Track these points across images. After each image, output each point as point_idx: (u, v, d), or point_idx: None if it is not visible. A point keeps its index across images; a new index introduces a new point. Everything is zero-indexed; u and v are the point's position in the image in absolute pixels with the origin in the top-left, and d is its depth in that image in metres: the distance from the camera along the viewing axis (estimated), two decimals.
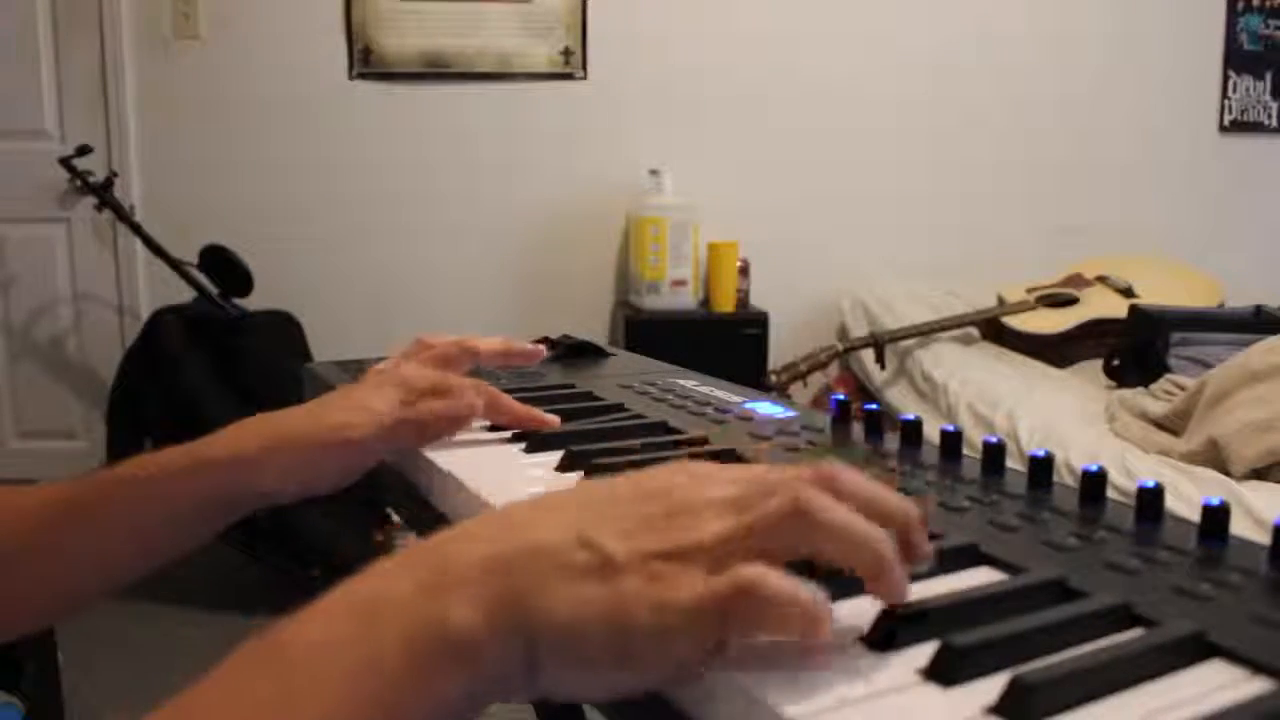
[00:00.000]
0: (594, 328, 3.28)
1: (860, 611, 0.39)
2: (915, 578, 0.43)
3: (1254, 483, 1.84)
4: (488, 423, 0.71)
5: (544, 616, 0.35)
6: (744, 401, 0.78)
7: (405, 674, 0.34)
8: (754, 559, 0.37)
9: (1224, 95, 3.56)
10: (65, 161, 2.89)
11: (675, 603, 0.35)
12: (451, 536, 0.39)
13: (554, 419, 0.70)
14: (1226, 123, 3.58)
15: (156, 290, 3.09)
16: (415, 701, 0.34)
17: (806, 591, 0.36)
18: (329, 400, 0.66)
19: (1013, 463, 0.57)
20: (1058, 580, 0.42)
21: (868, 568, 0.38)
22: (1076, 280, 3.11)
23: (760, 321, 3.10)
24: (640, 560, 0.36)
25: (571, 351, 1.01)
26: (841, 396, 0.71)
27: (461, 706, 0.35)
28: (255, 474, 0.62)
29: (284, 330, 3.09)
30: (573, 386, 0.84)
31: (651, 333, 3.00)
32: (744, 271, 3.19)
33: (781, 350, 3.11)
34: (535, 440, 0.66)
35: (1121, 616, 0.39)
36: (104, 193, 2.90)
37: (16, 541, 0.61)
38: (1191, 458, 1.95)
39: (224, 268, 2.91)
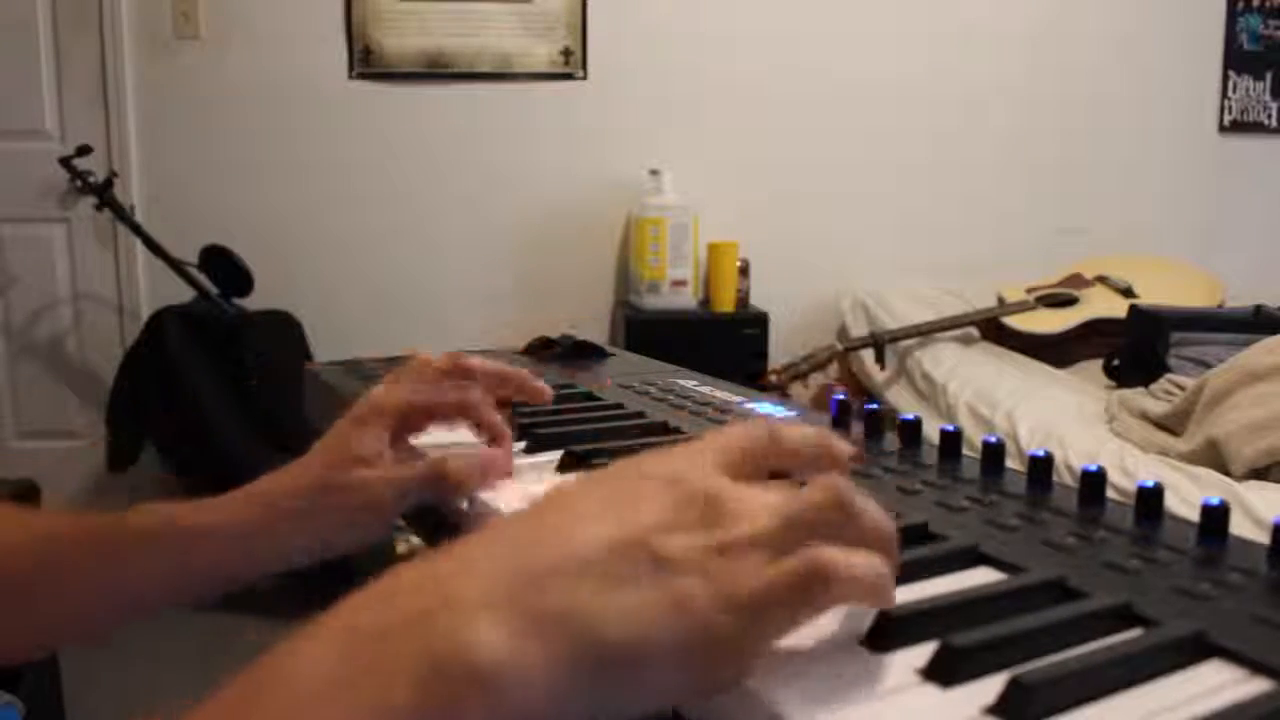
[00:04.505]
0: (594, 328, 3.28)
1: (860, 612, 0.39)
2: (915, 577, 0.43)
3: (1254, 483, 1.84)
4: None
5: (594, 634, 0.32)
6: (744, 401, 0.78)
7: (417, 709, 0.31)
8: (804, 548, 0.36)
9: (1224, 95, 3.56)
10: (65, 161, 2.89)
11: (746, 594, 0.34)
12: (460, 553, 0.35)
13: (547, 392, 0.69)
14: (1226, 123, 3.58)
15: (156, 290, 3.09)
16: None
17: (872, 560, 0.36)
18: (326, 453, 0.60)
19: (1012, 463, 0.57)
20: (1057, 580, 0.42)
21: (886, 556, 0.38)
22: (1076, 280, 3.11)
23: (760, 321, 3.10)
24: (695, 557, 0.34)
25: (571, 351, 1.01)
26: (841, 396, 0.71)
27: None
28: (256, 547, 0.59)
29: (284, 330, 3.09)
30: (573, 386, 0.84)
31: (651, 333, 3.00)
32: (744, 271, 3.19)
33: (781, 350, 3.11)
34: (535, 440, 0.66)
35: (1121, 616, 0.39)
36: (104, 193, 2.90)
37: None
38: (1191, 458, 1.95)
39: (224, 268, 2.92)
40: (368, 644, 0.32)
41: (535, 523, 0.37)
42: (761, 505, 0.37)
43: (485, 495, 0.57)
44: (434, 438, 0.65)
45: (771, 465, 0.42)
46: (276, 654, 0.32)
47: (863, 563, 0.35)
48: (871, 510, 0.38)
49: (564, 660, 0.32)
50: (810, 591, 0.34)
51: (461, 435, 0.65)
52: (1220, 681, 0.35)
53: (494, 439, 0.62)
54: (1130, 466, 1.94)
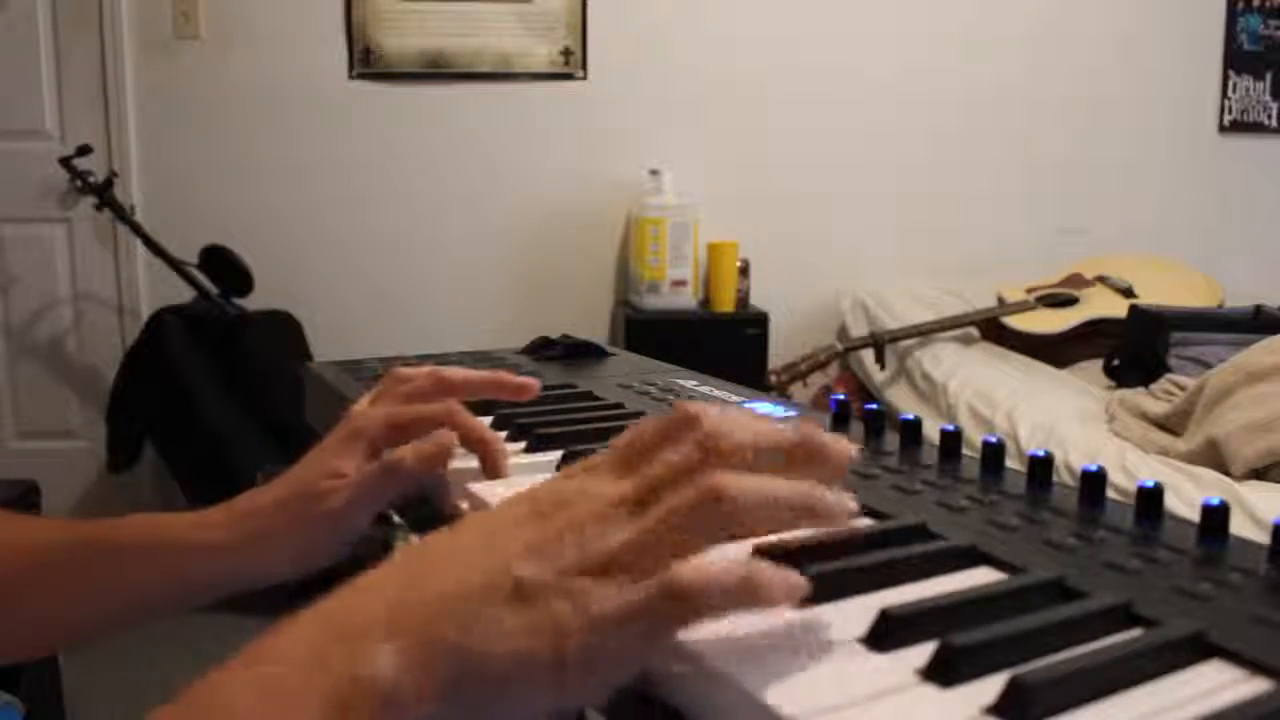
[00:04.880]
0: (594, 328, 3.28)
1: (860, 612, 0.39)
2: (915, 577, 0.43)
3: (1254, 483, 1.84)
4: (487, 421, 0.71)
5: (478, 657, 0.35)
6: (744, 401, 0.78)
7: None
8: (679, 553, 0.36)
9: (1224, 95, 3.56)
10: (65, 161, 2.89)
11: (605, 616, 0.35)
12: (359, 590, 0.38)
13: (532, 384, 0.69)
14: (1226, 123, 3.58)
15: (156, 290, 3.10)
16: None
17: (734, 568, 0.36)
18: (299, 471, 0.62)
19: (1012, 463, 0.57)
20: (1057, 580, 0.42)
21: (804, 519, 0.39)
22: (1076, 280, 3.11)
23: (760, 321, 3.11)
24: (560, 579, 0.36)
25: (571, 351, 1.01)
26: (841, 396, 0.71)
27: None
28: (241, 562, 0.60)
29: (284, 330, 3.09)
30: (573, 386, 0.84)
31: (651, 333, 3.00)
32: (744, 271, 3.19)
33: (781, 350, 3.11)
34: (536, 440, 0.66)
35: (1121, 616, 0.39)
36: (104, 193, 2.90)
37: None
38: (1191, 458, 1.95)
39: (224, 268, 2.92)
40: (281, 676, 0.35)
41: (424, 555, 0.39)
42: (628, 518, 0.38)
43: (485, 495, 0.57)
44: None
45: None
46: (196, 689, 0.34)
47: (721, 572, 0.36)
48: (751, 493, 0.37)
49: (449, 681, 0.35)
50: (668, 610, 0.36)
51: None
52: (1220, 681, 0.35)
53: (481, 444, 0.62)
54: (1130, 466, 1.94)
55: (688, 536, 0.37)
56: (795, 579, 0.37)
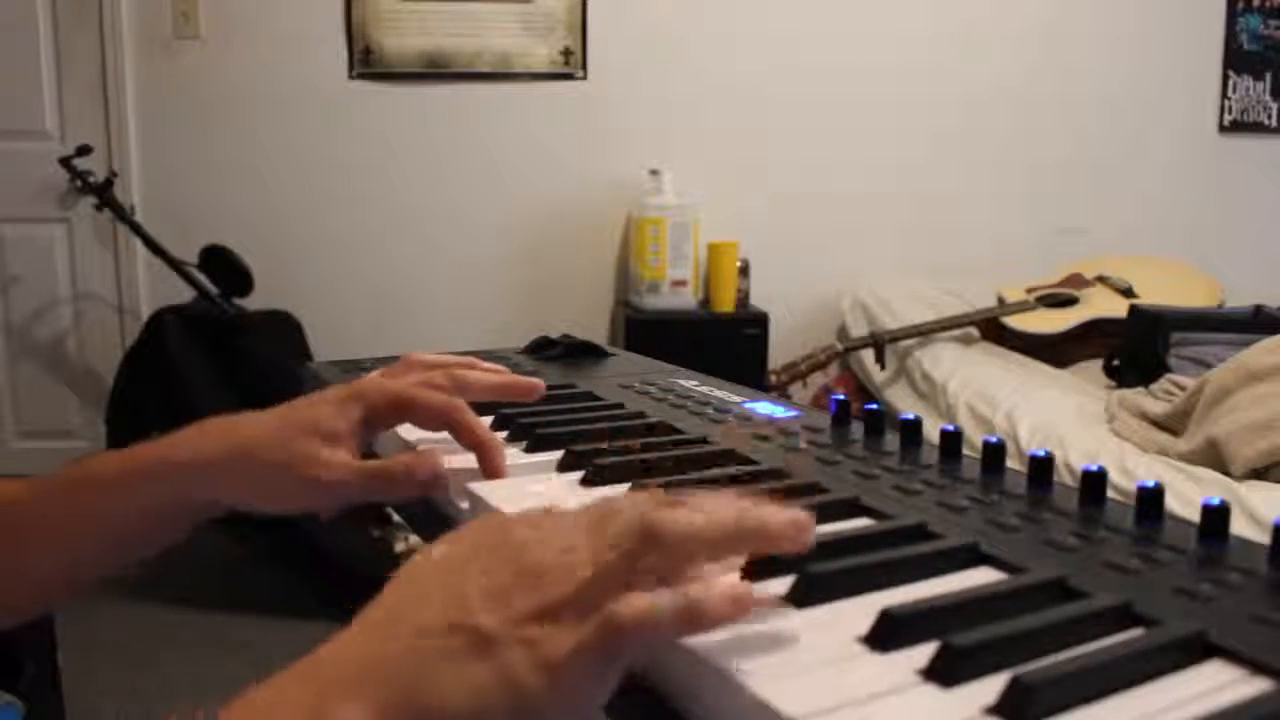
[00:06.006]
0: (594, 328, 3.28)
1: (860, 612, 0.39)
2: (914, 578, 0.43)
3: (1254, 483, 1.84)
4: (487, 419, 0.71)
5: (436, 707, 0.36)
6: (744, 401, 0.78)
7: None
8: (628, 594, 0.37)
9: (1224, 95, 3.56)
10: (65, 161, 2.89)
11: (557, 660, 0.36)
12: (336, 646, 0.39)
13: (538, 384, 0.70)
14: (1226, 123, 3.58)
15: (156, 290, 3.09)
16: None
17: (670, 596, 0.36)
18: (296, 415, 0.61)
19: (1013, 463, 0.57)
20: (1058, 580, 0.42)
21: (756, 543, 0.39)
22: (1076, 280, 3.12)
23: (760, 321, 3.11)
24: (513, 627, 0.37)
25: (571, 351, 1.01)
26: (841, 396, 0.71)
27: None
28: (217, 482, 0.60)
29: (284, 330, 3.09)
30: (573, 386, 0.84)
31: (651, 333, 3.00)
32: (744, 271, 3.19)
33: (781, 350, 3.11)
34: (536, 440, 0.66)
35: (1122, 616, 0.39)
36: (104, 193, 2.90)
37: None
38: (1191, 458, 1.95)
39: (224, 268, 2.92)
40: None
41: (394, 602, 0.40)
42: (577, 561, 0.39)
43: (485, 496, 0.57)
44: (424, 434, 0.65)
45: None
46: None
47: (659, 602, 0.36)
48: (684, 525, 0.38)
49: None
50: (613, 647, 0.36)
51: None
52: (1220, 681, 0.35)
53: (478, 447, 0.62)
54: (1130, 466, 1.95)
55: (634, 576, 0.38)
56: (741, 588, 0.37)
